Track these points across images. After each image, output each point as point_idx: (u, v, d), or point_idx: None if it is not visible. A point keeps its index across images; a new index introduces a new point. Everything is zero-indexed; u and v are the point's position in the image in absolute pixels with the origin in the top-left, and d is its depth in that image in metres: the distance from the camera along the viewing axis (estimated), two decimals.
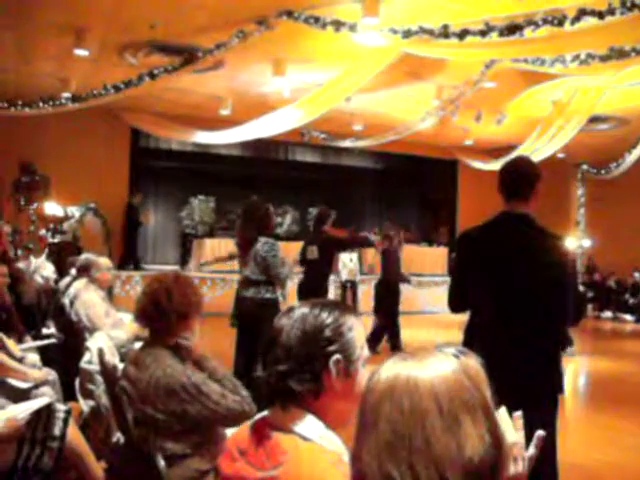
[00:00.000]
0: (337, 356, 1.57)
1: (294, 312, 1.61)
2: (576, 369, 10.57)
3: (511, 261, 3.25)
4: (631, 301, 17.54)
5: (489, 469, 1.05)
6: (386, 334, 10.21)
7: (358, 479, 1.08)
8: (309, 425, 1.53)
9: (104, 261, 6.04)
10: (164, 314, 2.71)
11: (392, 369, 1.12)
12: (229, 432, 2.49)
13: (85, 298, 5.53)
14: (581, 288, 17.97)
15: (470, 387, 1.08)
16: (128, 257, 15.22)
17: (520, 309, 3.20)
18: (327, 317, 1.59)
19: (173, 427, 2.53)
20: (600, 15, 6.86)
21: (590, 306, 18.27)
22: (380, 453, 1.04)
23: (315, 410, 1.55)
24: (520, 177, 3.52)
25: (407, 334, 12.74)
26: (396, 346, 10.07)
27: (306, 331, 1.56)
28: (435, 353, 1.14)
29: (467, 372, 1.10)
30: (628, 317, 17.32)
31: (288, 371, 1.54)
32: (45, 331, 6.42)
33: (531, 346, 3.16)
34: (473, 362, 1.12)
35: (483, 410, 1.08)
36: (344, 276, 13.24)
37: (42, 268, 9.41)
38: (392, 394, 1.07)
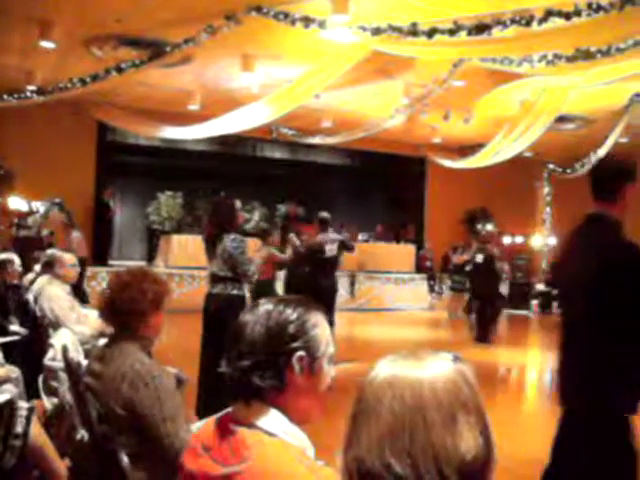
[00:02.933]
0: (300, 353, 1.57)
1: (258, 308, 1.61)
2: (541, 365, 10.71)
3: (578, 266, 3.11)
4: None
5: (480, 469, 1.09)
6: None
7: (354, 465, 1.10)
8: (273, 420, 1.53)
9: (68, 257, 5.98)
10: (119, 311, 2.68)
11: (392, 366, 1.15)
12: (194, 428, 2.47)
13: (50, 293, 5.48)
14: (542, 287, 18.22)
15: (466, 390, 1.13)
16: (98, 254, 15.03)
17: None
18: (291, 313, 1.59)
19: (132, 423, 2.49)
20: (567, 16, 6.95)
21: (555, 304, 18.49)
22: (381, 441, 1.08)
23: (279, 406, 1.55)
24: (602, 176, 3.26)
25: (374, 331, 12.82)
26: None
27: (270, 327, 1.56)
28: (433, 354, 1.18)
29: (463, 376, 1.14)
30: None
31: (251, 366, 1.54)
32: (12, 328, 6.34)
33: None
34: (467, 368, 1.16)
35: (477, 413, 1.12)
36: None
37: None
38: (393, 385, 1.11)
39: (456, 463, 1.06)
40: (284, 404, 1.56)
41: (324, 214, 9.27)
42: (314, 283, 8.76)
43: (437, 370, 1.13)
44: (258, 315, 1.59)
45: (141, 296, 2.71)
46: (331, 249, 8.92)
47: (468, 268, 12.88)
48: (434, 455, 1.05)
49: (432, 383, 1.10)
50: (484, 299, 11.60)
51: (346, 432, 1.15)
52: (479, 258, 11.86)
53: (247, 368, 1.54)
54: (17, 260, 7.64)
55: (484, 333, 11.33)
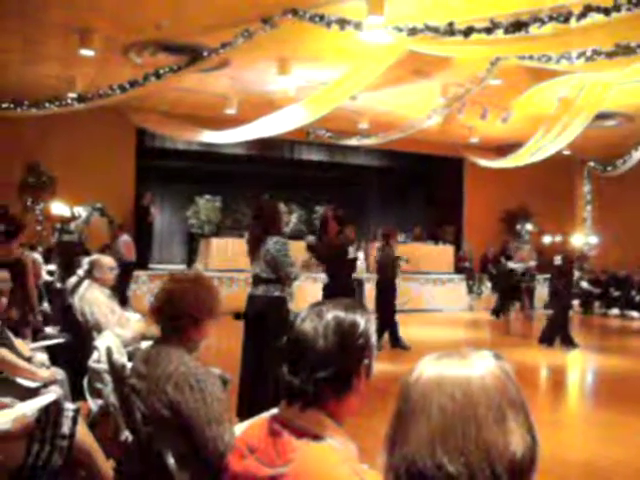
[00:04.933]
0: (366, 361, 1.59)
1: (325, 315, 1.59)
2: (582, 366, 10.56)
3: None
4: (637, 298, 17.47)
5: (527, 467, 1.08)
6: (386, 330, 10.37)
7: (403, 466, 1.08)
8: (322, 425, 1.53)
9: (106, 261, 6.05)
10: (176, 316, 2.70)
11: (437, 365, 1.14)
12: (238, 430, 2.49)
13: (89, 297, 5.56)
14: (586, 285, 17.96)
15: (512, 387, 1.12)
16: (138, 258, 15.15)
17: None
18: (359, 322, 1.60)
19: (177, 424, 2.51)
20: (606, 11, 6.84)
21: (597, 303, 18.24)
22: (432, 440, 1.06)
23: (330, 410, 1.56)
24: None
25: (413, 332, 12.76)
26: (396, 342, 10.30)
27: (344, 337, 1.56)
28: (476, 352, 1.16)
29: (507, 373, 1.13)
30: (635, 314, 17.26)
31: (328, 378, 1.53)
32: (49, 330, 6.45)
33: None
34: (509, 366, 1.15)
35: (523, 410, 1.11)
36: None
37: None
38: (442, 384, 1.10)
39: (507, 462, 1.04)
40: (336, 408, 1.56)
41: (341, 212, 8.92)
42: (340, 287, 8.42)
43: (483, 368, 1.11)
44: (328, 323, 1.57)
45: (200, 304, 2.74)
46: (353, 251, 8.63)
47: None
48: (487, 453, 1.04)
49: (481, 381, 1.09)
50: (564, 301, 11.44)
51: (390, 432, 1.13)
52: (558, 260, 11.79)
53: (323, 379, 1.53)
54: (40, 259, 7.77)
55: (568, 336, 11.21)
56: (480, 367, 1.12)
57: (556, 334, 11.15)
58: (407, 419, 1.11)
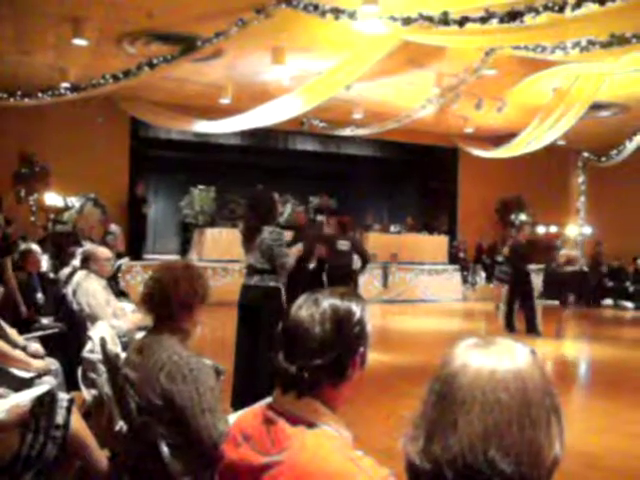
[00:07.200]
0: (362, 349, 1.59)
1: (320, 302, 1.59)
2: (576, 355, 10.59)
3: None
4: (631, 288, 17.54)
5: (554, 470, 1.06)
6: None
7: (446, 457, 1.03)
8: (316, 412, 1.53)
9: (102, 252, 6.05)
10: (169, 303, 2.71)
11: (485, 355, 1.09)
12: (232, 419, 2.49)
13: (86, 287, 5.56)
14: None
15: (553, 388, 1.09)
16: (132, 248, 15.09)
17: None
18: (355, 310, 1.60)
19: (170, 414, 2.51)
20: (601, 1, 6.82)
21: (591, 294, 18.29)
22: (487, 434, 1.01)
23: (326, 398, 1.56)
24: None
25: (408, 322, 12.80)
26: None
27: (339, 325, 1.56)
28: (517, 345, 1.12)
29: (546, 371, 1.10)
30: (628, 304, 17.32)
31: (323, 365, 1.53)
32: (43, 321, 6.45)
33: None
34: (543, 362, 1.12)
35: (559, 413, 1.08)
36: None
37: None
38: (496, 375, 1.05)
39: (550, 464, 1.02)
40: (331, 396, 1.56)
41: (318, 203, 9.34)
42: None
43: (531, 363, 1.08)
44: (325, 311, 1.57)
45: (193, 291, 2.78)
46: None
47: None
48: (537, 454, 1.01)
49: (531, 375, 1.06)
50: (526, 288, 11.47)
51: (428, 418, 1.08)
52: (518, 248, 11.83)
53: (319, 367, 1.53)
54: (38, 250, 7.76)
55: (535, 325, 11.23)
56: (528, 362, 1.08)
57: (535, 321, 11.15)
58: (454, 408, 1.05)
